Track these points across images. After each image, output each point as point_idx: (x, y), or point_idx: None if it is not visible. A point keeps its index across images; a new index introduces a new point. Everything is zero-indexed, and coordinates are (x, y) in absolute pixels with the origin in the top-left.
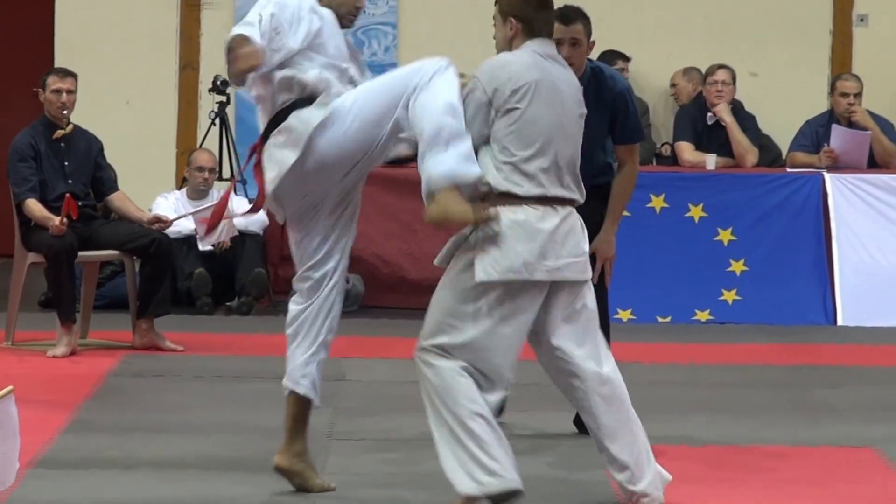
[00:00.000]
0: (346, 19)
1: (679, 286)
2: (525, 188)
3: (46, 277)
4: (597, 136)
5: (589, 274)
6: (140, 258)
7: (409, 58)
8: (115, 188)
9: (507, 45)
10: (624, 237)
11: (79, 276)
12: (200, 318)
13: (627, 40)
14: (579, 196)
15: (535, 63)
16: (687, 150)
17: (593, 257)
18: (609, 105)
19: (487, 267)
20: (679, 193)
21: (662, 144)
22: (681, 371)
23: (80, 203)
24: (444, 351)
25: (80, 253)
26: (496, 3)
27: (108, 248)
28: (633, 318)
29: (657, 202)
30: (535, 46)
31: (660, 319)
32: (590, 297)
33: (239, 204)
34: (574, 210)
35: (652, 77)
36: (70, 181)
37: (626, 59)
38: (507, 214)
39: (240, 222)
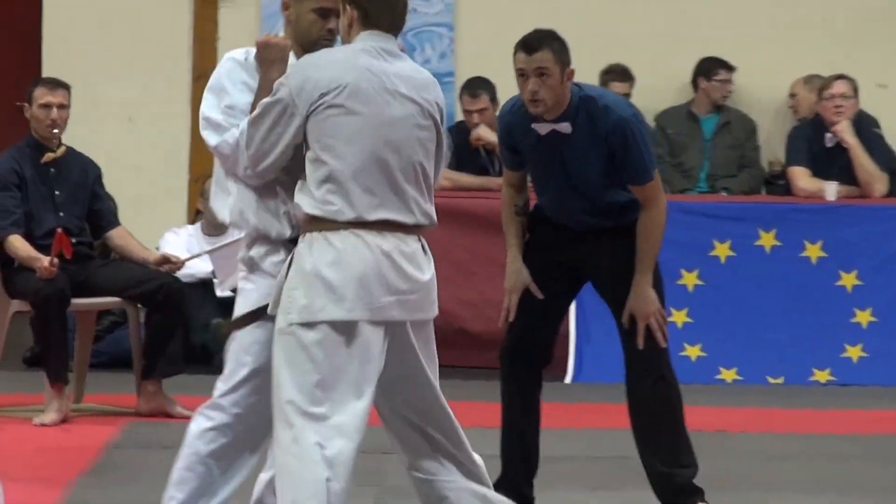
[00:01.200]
0: (318, 47)
1: (793, 340)
2: (340, 211)
3: (33, 329)
4: (595, 178)
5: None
6: (146, 306)
7: (468, 65)
8: (115, 222)
9: (346, 35)
10: (727, 280)
11: (72, 328)
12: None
13: (731, 46)
14: (414, 219)
15: (353, 60)
16: (802, 177)
17: (632, 321)
18: (604, 140)
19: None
20: (793, 229)
21: (779, 170)
22: (796, 442)
23: (73, 240)
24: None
25: (74, 300)
26: None
27: (108, 294)
28: (739, 378)
29: (767, 239)
30: (365, 41)
31: (771, 381)
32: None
33: None
34: (414, 236)
35: (761, 89)
36: (61, 214)
37: (730, 68)
38: (321, 243)
39: None
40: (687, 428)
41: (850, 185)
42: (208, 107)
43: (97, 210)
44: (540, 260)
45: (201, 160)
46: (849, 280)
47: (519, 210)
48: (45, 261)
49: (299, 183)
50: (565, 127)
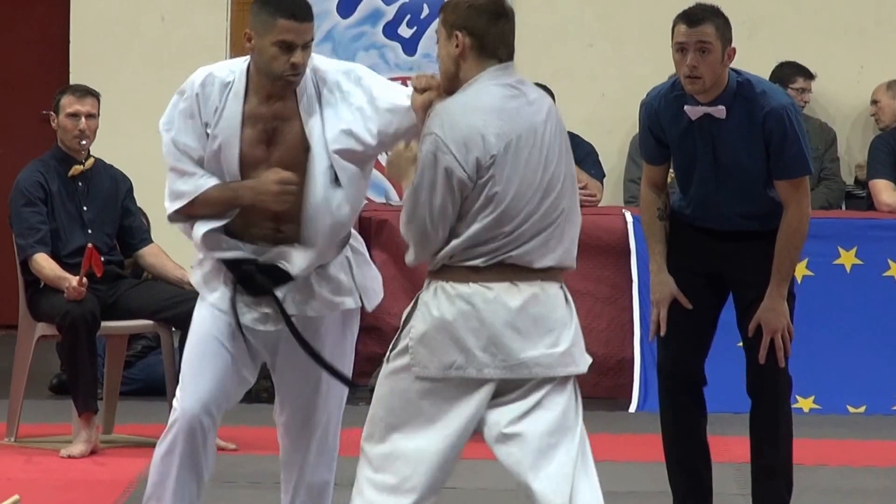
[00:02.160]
0: (281, 80)
1: (876, 367)
2: (479, 259)
3: (60, 354)
4: (749, 169)
5: (569, 369)
6: (181, 329)
7: (524, 72)
8: (147, 240)
9: (452, 65)
10: (803, 302)
11: (101, 353)
12: (258, 408)
13: (809, 51)
14: (558, 262)
15: (504, 107)
16: (885, 191)
17: (759, 330)
18: (760, 128)
19: (422, 359)
20: (876, 246)
21: (864, 177)
22: (878, 477)
23: (103, 258)
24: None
25: (104, 323)
26: (440, 12)
27: (140, 316)
28: (817, 407)
29: (847, 258)
30: (494, 77)
31: (851, 410)
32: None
33: None
34: (552, 284)
35: (840, 96)
36: (90, 231)
37: (809, 75)
38: (448, 293)
39: None
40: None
41: None
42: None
43: (128, 226)
44: (682, 270)
45: None
46: None
47: (661, 214)
48: (73, 281)
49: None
50: (720, 111)
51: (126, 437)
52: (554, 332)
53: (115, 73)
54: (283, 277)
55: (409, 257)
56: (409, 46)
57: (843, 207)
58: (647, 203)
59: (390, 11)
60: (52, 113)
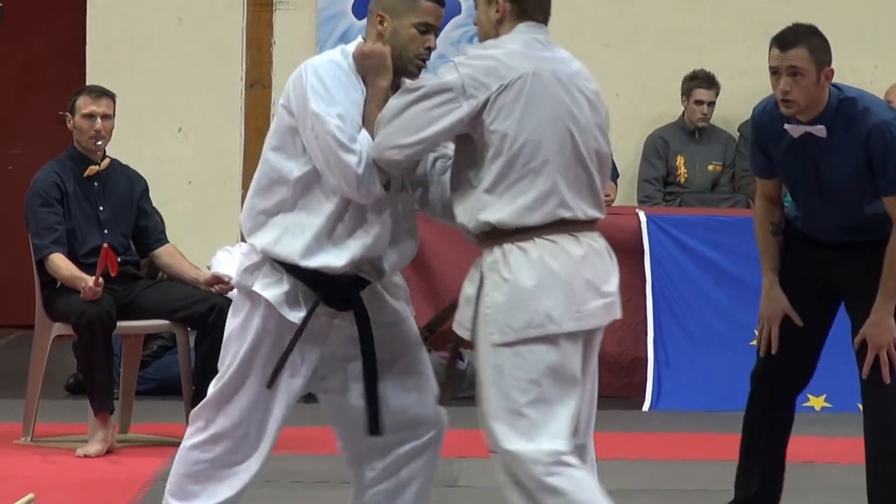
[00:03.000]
0: (412, 65)
1: None
2: (534, 216)
3: (76, 354)
4: (851, 186)
5: (615, 316)
6: (196, 329)
7: None
8: (163, 240)
9: (492, 29)
10: None
11: (117, 353)
12: None
13: None
14: (599, 212)
15: (527, 50)
16: None
17: (864, 345)
18: (861, 144)
19: (502, 325)
20: None
21: None
22: None
23: (118, 258)
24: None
25: (120, 323)
26: None
27: (156, 316)
28: (829, 406)
29: None
30: (526, 33)
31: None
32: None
33: None
34: (596, 233)
35: None
36: (106, 231)
37: None
38: (517, 254)
39: None
40: None
41: None
42: (329, 121)
43: (144, 227)
44: (794, 284)
45: (254, 174)
46: None
47: (775, 229)
48: (89, 280)
49: (464, 192)
50: (820, 130)
51: (142, 437)
52: (608, 281)
53: (131, 74)
54: (362, 283)
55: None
56: None
57: None
58: (761, 218)
59: None
60: (67, 114)
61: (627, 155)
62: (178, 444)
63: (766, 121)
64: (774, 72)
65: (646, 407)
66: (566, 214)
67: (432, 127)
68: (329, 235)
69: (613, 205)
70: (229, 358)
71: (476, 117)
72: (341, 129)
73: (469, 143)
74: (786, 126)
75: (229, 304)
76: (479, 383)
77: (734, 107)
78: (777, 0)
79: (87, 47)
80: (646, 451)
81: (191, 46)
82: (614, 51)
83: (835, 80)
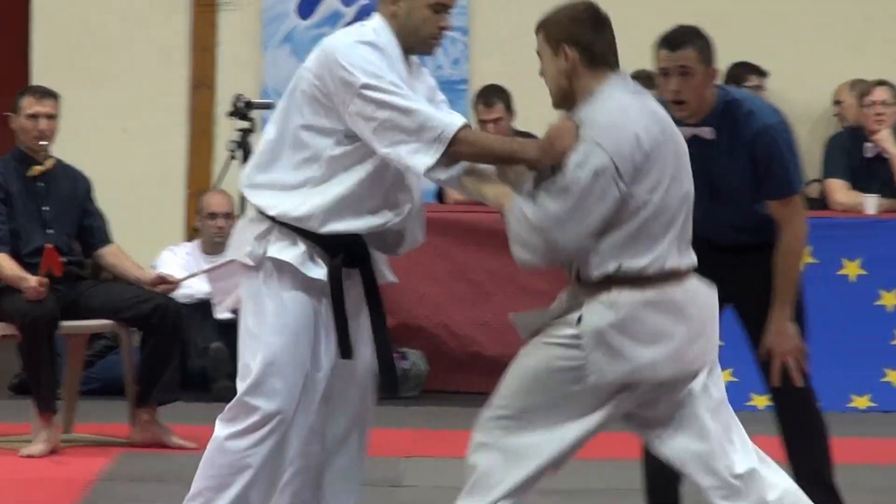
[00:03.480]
0: (426, 45)
1: (830, 364)
2: (647, 261)
3: (20, 354)
4: (739, 188)
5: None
6: (140, 329)
7: (482, 72)
8: (107, 240)
9: (565, 81)
10: None
11: (61, 353)
12: (218, 407)
13: (762, 50)
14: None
15: (643, 107)
16: (840, 190)
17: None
18: (747, 148)
19: (602, 366)
20: (830, 245)
21: (810, 183)
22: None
23: (63, 258)
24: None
25: (64, 323)
26: (539, 29)
27: (100, 316)
28: (772, 405)
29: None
30: (620, 85)
31: None
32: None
33: None
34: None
35: (797, 97)
36: (50, 230)
37: (762, 73)
38: (627, 299)
39: None
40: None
41: (891, 198)
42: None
43: (88, 226)
44: None
45: (199, 174)
46: (890, 299)
47: None
48: (32, 280)
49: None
50: (708, 132)
51: (86, 437)
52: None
53: (75, 74)
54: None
55: (531, 257)
56: None
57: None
58: None
59: (350, 13)
60: (11, 114)
61: None
62: (121, 444)
63: None
64: (664, 73)
65: None
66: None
67: (596, 213)
68: (350, 204)
69: None
70: (265, 334)
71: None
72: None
73: None
74: None
75: (174, 305)
76: None
77: None
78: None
79: (32, 47)
80: (591, 451)
81: (135, 47)
82: None
83: (784, 80)
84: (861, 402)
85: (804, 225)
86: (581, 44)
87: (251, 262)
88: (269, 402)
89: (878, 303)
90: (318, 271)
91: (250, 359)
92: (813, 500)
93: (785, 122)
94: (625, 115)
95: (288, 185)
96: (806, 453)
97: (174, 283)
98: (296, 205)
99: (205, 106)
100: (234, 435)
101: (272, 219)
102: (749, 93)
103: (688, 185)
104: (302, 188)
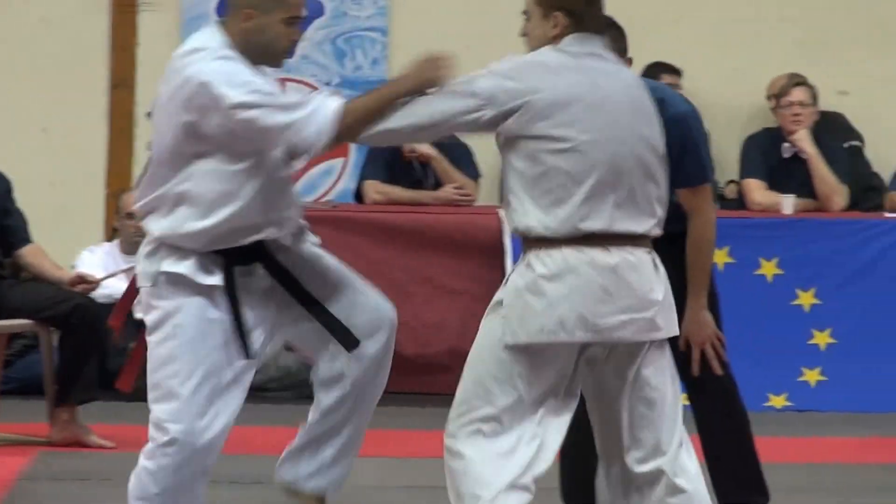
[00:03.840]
0: (277, 59)
1: (747, 364)
2: (565, 225)
3: None
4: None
5: (662, 332)
6: (59, 329)
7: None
8: (27, 240)
9: (547, 44)
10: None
11: None
12: (136, 407)
13: (679, 49)
14: (650, 228)
15: (569, 66)
16: (757, 190)
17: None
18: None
19: (515, 327)
20: (747, 245)
21: (728, 183)
22: None
23: None
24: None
25: None
26: None
27: (18, 315)
28: (687, 404)
29: (719, 256)
30: (575, 44)
31: None
32: (657, 370)
33: None
34: (642, 248)
35: (712, 96)
36: None
37: (676, 72)
38: (542, 259)
39: None
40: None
41: (808, 198)
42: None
43: (7, 226)
44: None
45: (119, 174)
46: (806, 299)
47: None
48: None
49: (515, 199)
50: None
51: (5, 436)
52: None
53: None
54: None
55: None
56: None
57: (717, 207)
58: None
59: None
60: None
61: (489, 155)
62: (41, 444)
63: None
64: None
65: None
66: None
67: (448, 119)
68: (233, 226)
69: (475, 204)
70: (167, 349)
71: (503, 123)
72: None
73: (510, 149)
74: None
75: (93, 304)
76: None
77: None
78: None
79: None
80: None
81: (55, 46)
82: (476, 53)
83: (697, 79)
84: (778, 401)
85: (714, 213)
86: (574, 14)
87: (148, 283)
88: (174, 423)
89: (794, 302)
90: (213, 278)
91: (159, 378)
92: (736, 497)
93: (696, 111)
94: (540, 59)
95: (169, 206)
96: (728, 448)
97: (93, 283)
98: (177, 226)
99: (124, 106)
100: (146, 455)
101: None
102: (660, 83)
103: (620, 150)
104: (180, 209)
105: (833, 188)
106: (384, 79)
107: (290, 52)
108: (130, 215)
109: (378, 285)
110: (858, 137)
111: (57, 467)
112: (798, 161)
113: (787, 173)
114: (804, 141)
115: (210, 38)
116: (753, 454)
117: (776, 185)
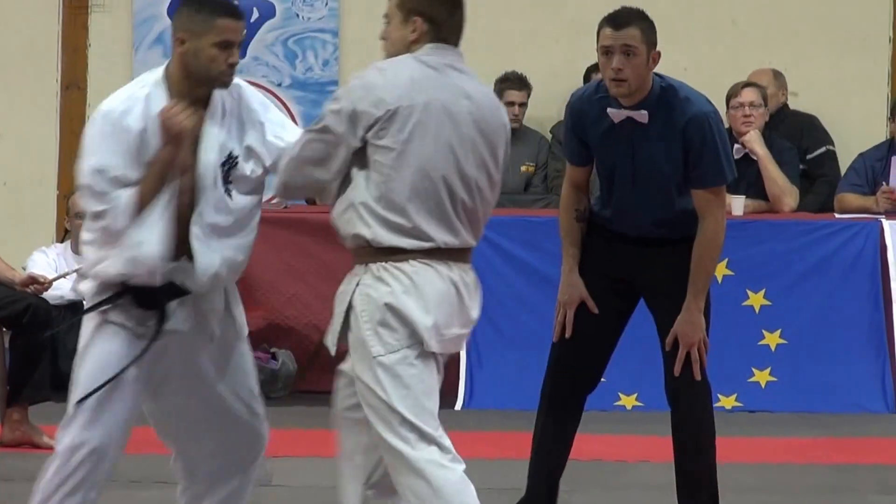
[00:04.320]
0: (217, 82)
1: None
2: (410, 241)
3: None
4: (666, 175)
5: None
6: (10, 329)
7: (352, 73)
8: None
9: (404, 49)
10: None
11: None
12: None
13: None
14: (473, 241)
15: (423, 78)
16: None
17: (675, 343)
18: (680, 134)
19: (386, 339)
20: None
21: None
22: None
23: None
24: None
25: None
26: None
27: None
28: (640, 405)
29: None
30: (429, 54)
31: None
32: None
33: None
34: (469, 264)
35: None
36: None
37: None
38: (392, 272)
39: None
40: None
41: (758, 199)
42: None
43: None
44: (593, 273)
45: (70, 175)
46: (757, 300)
47: (579, 215)
48: None
49: (343, 205)
50: (642, 115)
51: None
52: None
53: None
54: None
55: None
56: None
57: None
58: (567, 203)
59: None
60: None
61: None
62: None
63: (584, 107)
64: (606, 51)
65: (459, 406)
66: (428, 245)
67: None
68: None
69: None
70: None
71: (363, 139)
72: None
73: (358, 157)
74: (608, 110)
75: (45, 305)
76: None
77: (546, 108)
78: (589, 2)
79: None
80: (459, 450)
81: (5, 48)
82: None
83: None
84: (728, 401)
85: (724, 216)
86: (434, 21)
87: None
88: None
89: (745, 303)
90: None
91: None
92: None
93: (717, 113)
94: (390, 72)
95: (89, 240)
96: (697, 453)
97: (45, 284)
98: (96, 259)
99: (76, 107)
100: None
101: None
102: (683, 82)
103: (440, 166)
104: (94, 244)
105: (783, 189)
106: (335, 80)
107: (228, 76)
108: (80, 215)
109: (328, 285)
110: (831, 141)
111: (8, 468)
112: (749, 162)
113: (738, 174)
114: (755, 142)
115: (150, 76)
116: (714, 466)
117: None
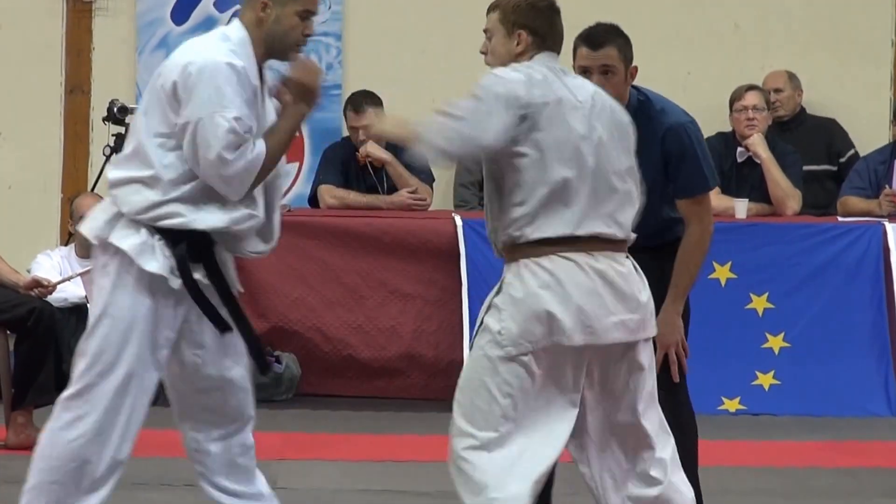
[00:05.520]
0: (289, 52)
1: (701, 367)
2: (553, 229)
3: None
4: (649, 187)
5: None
6: (15, 333)
7: (356, 77)
8: None
9: (510, 61)
10: None
11: None
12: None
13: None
14: (626, 235)
15: (552, 78)
16: (711, 195)
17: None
18: (658, 145)
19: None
20: None
21: None
22: (703, 475)
23: None
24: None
25: None
26: (494, 9)
27: None
28: None
29: None
30: (541, 61)
31: None
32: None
33: None
34: (624, 253)
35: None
36: None
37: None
38: (530, 266)
39: None
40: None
41: (761, 202)
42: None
43: None
44: None
45: (75, 179)
46: (760, 303)
47: None
48: None
49: (493, 209)
50: None
51: None
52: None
53: None
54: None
55: (447, 145)
56: None
57: None
58: None
59: (224, 18)
60: None
61: None
62: None
63: None
64: (584, 71)
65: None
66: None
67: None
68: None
69: (430, 209)
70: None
71: (515, 129)
72: (235, 131)
73: (502, 157)
74: None
75: (49, 308)
76: None
77: None
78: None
79: None
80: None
81: (10, 51)
82: (430, 57)
83: (651, 87)
84: (731, 405)
85: (711, 224)
86: (538, 32)
87: (94, 241)
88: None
89: (748, 307)
90: (154, 264)
91: (84, 347)
92: None
93: (695, 122)
94: (520, 72)
95: (144, 180)
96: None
97: (49, 287)
98: (146, 199)
99: (80, 110)
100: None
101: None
102: (656, 93)
103: (565, 170)
104: (158, 184)
105: (787, 192)
106: (338, 84)
107: (302, 46)
108: (83, 219)
109: (332, 288)
110: (852, 145)
111: (13, 471)
112: (752, 165)
113: (741, 177)
114: (758, 145)
115: (231, 31)
116: (695, 468)
117: (730, 189)
